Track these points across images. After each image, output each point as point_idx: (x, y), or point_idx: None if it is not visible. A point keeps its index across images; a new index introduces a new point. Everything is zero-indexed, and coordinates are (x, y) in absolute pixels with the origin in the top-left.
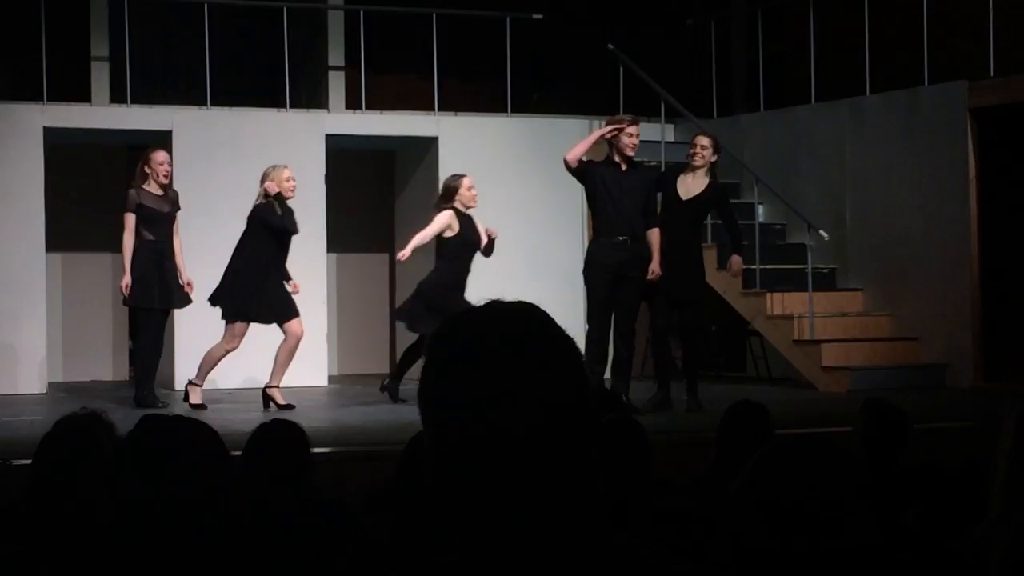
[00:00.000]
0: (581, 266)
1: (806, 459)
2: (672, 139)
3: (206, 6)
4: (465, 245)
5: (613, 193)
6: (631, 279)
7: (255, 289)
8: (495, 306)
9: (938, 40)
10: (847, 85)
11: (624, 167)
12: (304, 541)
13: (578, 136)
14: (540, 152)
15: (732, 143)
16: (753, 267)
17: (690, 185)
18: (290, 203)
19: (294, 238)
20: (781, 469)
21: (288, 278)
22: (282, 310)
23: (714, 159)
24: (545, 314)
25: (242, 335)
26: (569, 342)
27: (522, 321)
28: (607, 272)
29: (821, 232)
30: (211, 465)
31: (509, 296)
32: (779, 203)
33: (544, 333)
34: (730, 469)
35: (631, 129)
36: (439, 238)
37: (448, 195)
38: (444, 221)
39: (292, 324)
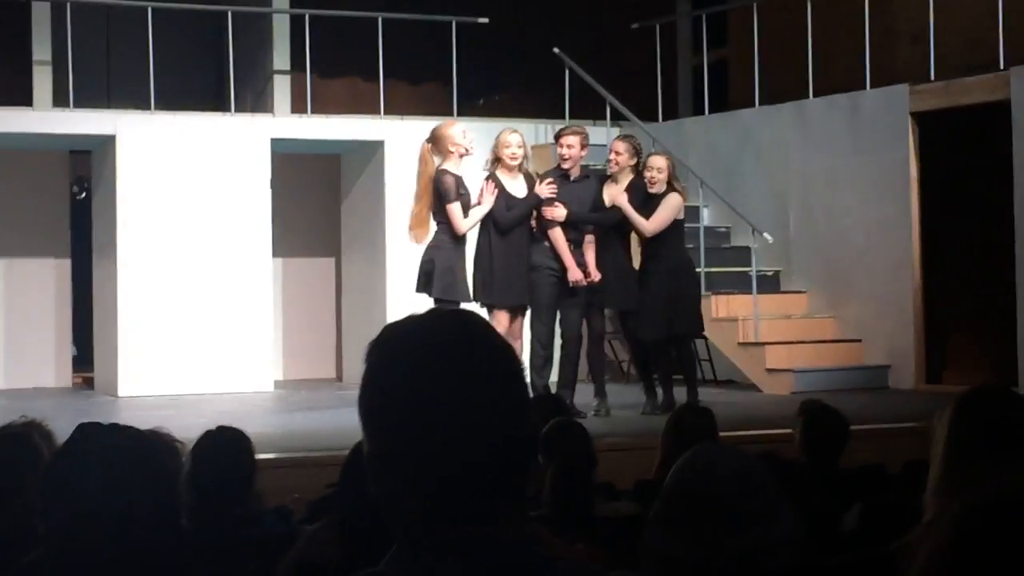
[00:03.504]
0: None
1: (720, 462)
2: None
3: (150, 10)
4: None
5: (560, 200)
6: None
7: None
8: (435, 315)
9: (880, 44)
10: (791, 89)
11: (571, 176)
12: (247, 548)
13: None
14: (486, 155)
15: (677, 147)
16: (698, 270)
17: (613, 192)
18: (232, 208)
19: (237, 242)
20: (698, 472)
21: None
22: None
23: (632, 162)
24: (484, 322)
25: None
26: (508, 351)
27: (461, 330)
28: (552, 275)
29: (765, 235)
30: (149, 474)
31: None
32: (724, 206)
33: (483, 342)
34: None
35: (564, 140)
36: None
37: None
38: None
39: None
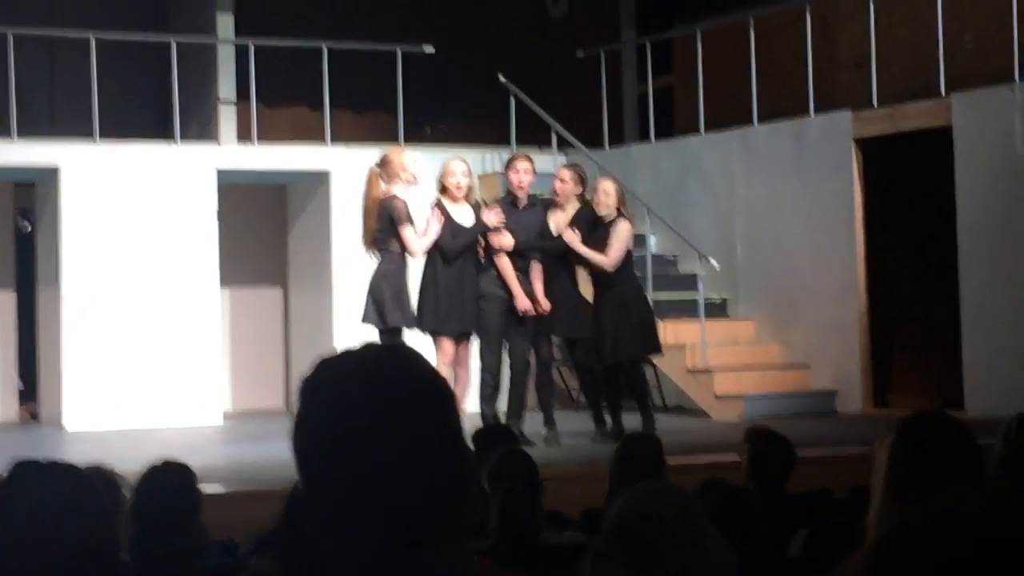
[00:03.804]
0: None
1: (660, 499)
2: None
3: (93, 40)
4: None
5: (509, 229)
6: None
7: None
8: (367, 349)
9: (823, 71)
10: (735, 115)
11: (520, 204)
12: None
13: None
14: (432, 184)
15: (623, 173)
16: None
17: (559, 220)
18: (179, 239)
19: (184, 273)
20: (639, 509)
21: None
22: None
23: (578, 191)
24: (417, 355)
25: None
26: (440, 384)
27: (394, 364)
28: (500, 303)
29: (712, 261)
30: (86, 511)
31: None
32: (671, 233)
33: (415, 376)
34: None
35: (519, 165)
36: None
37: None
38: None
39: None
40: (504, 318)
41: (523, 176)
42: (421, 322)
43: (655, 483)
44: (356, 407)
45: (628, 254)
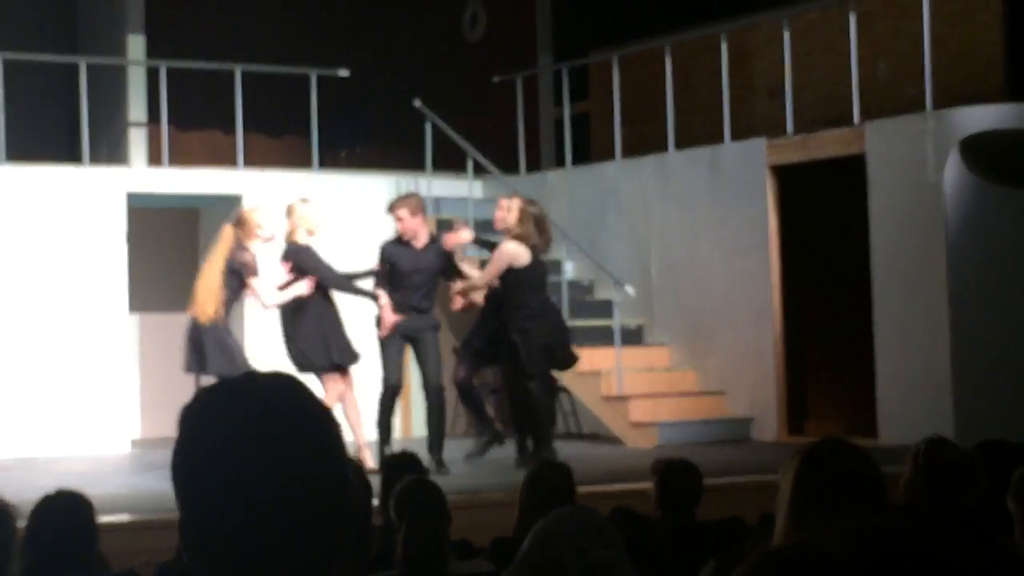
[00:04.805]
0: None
1: (574, 528)
2: (480, 196)
3: (0, 60)
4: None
5: (408, 270)
6: (424, 340)
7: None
8: (250, 378)
9: (738, 99)
10: (652, 142)
11: (419, 245)
12: None
13: (385, 192)
14: (346, 208)
15: (540, 199)
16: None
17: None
18: (87, 263)
19: (92, 298)
20: (551, 539)
21: None
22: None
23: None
24: (302, 385)
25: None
26: (326, 414)
27: (277, 393)
28: (396, 335)
29: (627, 288)
30: None
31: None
32: (586, 259)
33: (300, 405)
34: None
35: (393, 214)
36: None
37: None
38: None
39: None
40: (401, 343)
41: (398, 225)
42: (301, 361)
43: (575, 507)
44: (233, 435)
45: (515, 274)
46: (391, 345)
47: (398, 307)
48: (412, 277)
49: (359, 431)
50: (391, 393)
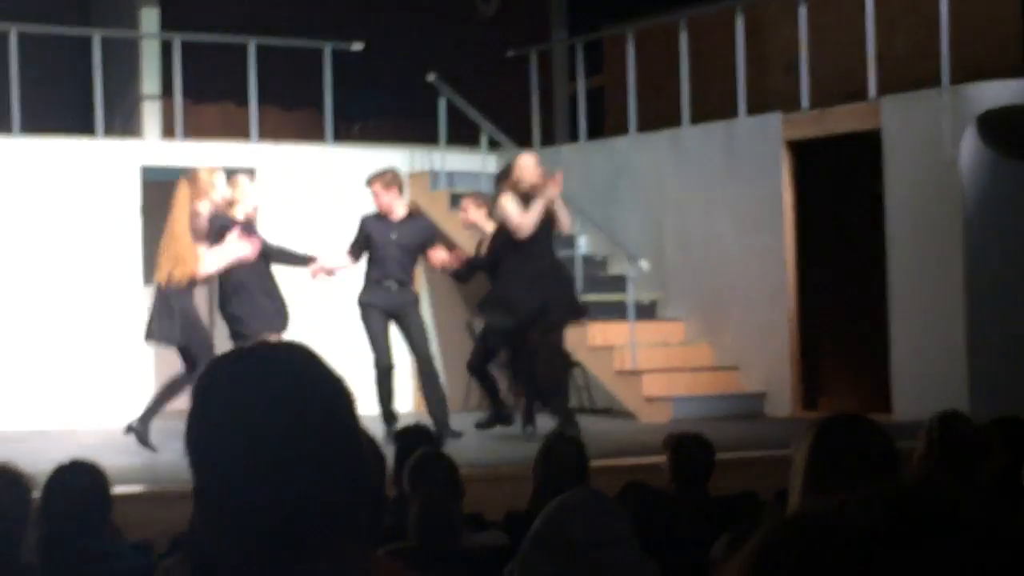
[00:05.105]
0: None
1: (586, 510)
2: (494, 169)
3: (14, 32)
4: None
5: (381, 243)
6: (407, 314)
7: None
8: (262, 348)
9: (753, 73)
10: (666, 116)
11: (395, 219)
12: None
13: (400, 166)
14: (360, 182)
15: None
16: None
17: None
18: (102, 235)
19: (107, 270)
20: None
21: None
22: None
23: (482, 211)
24: (314, 354)
25: None
26: (338, 382)
27: (290, 362)
28: (378, 311)
29: (641, 262)
30: None
31: (320, 331)
32: (600, 234)
33: (314, 374)
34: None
35: (370, 189)
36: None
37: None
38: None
39: None
40: (385, 322)
41: (381, 199)
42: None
43: (584, 488)
44: (247, 404)
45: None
46: (375, 324)
47: (376, 279)
48: (387, 249)
49: None
50: (385, 373)
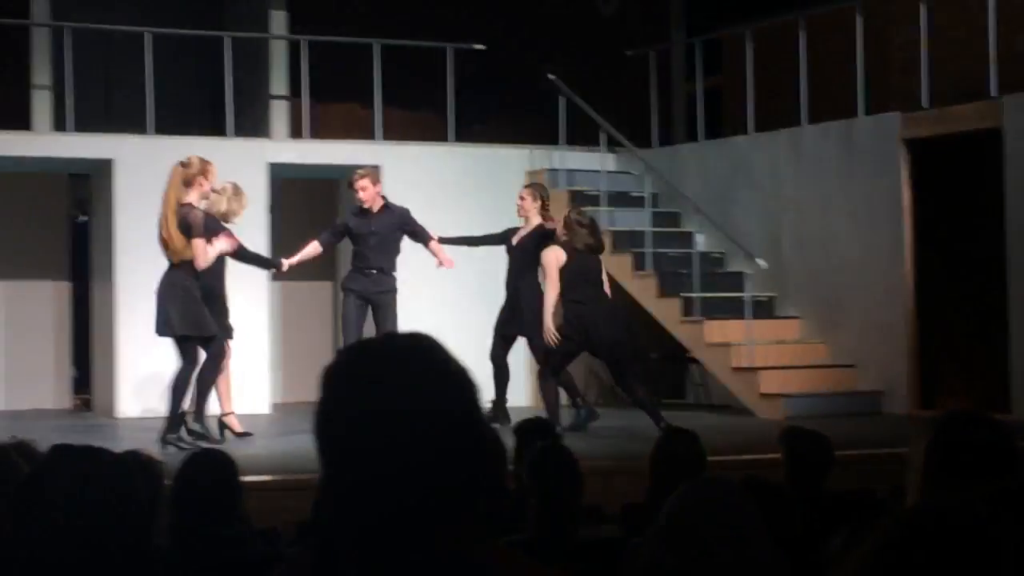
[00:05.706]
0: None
1: (711, 498)
2: (613, 168)
3: (148, 35)
4: None
5: (363, 235)
6: (384, 303)
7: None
8: (390, 339)
9: (873, 72)
10: (784, 116)
11: (373, 211)
12: (231, 570)
13: (519, 165)
14: (481, 181)
15: (672, 173)
16: (692, 295)
17: (520, 233)
18: (236, 230)
19: (235, 265)
20: (689, 508)
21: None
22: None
23: (536, 204)
24: (441, 346)
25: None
26: (463, 372)
27: (417, 354)
28: (355, 296)
29: (759, 260)
30: (120, 496)
31: (450, 324)
32: (718, 232)
33: (439, 365)
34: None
35: (355, 185)
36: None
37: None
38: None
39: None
40: (361, 309)
41: (366, 192)
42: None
43: (711, 477)
44: (375, 393)
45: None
46: (350, 310)
47: (359, 268)
48: (368, 239)
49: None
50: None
